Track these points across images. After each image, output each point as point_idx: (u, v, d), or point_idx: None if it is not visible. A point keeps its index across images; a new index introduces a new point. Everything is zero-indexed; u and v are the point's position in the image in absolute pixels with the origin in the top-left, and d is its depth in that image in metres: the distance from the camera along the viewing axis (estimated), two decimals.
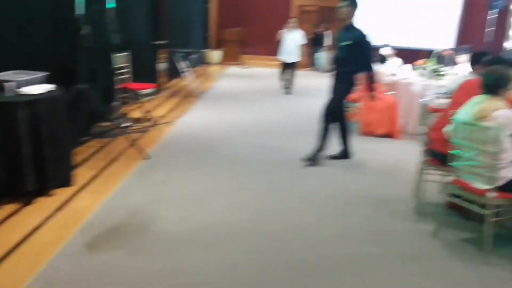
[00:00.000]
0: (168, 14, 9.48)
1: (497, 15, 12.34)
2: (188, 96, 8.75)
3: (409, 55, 10.82)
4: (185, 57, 9.40)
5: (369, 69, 4.91)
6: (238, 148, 5.50)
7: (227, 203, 3.85)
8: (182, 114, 7.19)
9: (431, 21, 12.50)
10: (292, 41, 9.36)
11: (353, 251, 3.17)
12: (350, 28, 4.76)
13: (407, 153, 5.46)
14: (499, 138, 2.85)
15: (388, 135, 6.28)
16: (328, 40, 13.94)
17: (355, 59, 4.73)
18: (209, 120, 6.97)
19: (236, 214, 3.66)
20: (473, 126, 2.98)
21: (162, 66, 9.10)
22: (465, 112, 3.11)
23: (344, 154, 5.21)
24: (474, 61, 4.21)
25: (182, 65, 9.22)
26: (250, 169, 4.77)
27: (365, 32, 4.75)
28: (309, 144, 5.24)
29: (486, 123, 2.93)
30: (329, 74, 5.43)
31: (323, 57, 13.56)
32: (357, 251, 3.17)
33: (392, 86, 6.73)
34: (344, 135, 5.18)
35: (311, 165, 4.90)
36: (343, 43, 4.75)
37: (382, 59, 6.76)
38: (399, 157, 5.43)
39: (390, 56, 7.23)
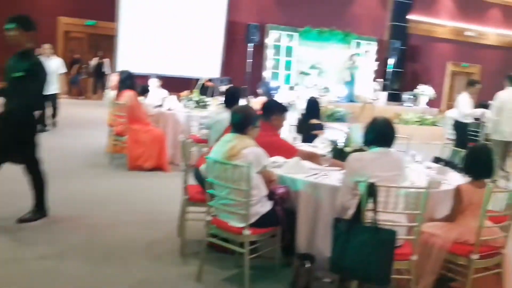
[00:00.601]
0: None
1: (253, 49, 13.70)
2: None
3: (178, 84, 11.03)
4: None
5: (38, 106, 3.97)
6: None
7: None
8: None
9: (198, 51, 13.02)
10: (50, 70, 8.22)
11: None
12: (24, 55, 3.84)
13: (175, 187, 5.31)
14: (249, 175, 2.87)
15: (157, 168, 6.10)
16: (108, 69, 13.41)
17: (26, 93, 3.79)
18: None
19: None
20: (224, 165, 2.95)
21: None
22: (216, 151, 3.08)
23: (37, 212, 4.10)
24: (229, 101, 4.33)
25: None
26: None
27: (40, 60, 3.99)
28: (67, 188, 4.64)
29: (236, 162, 2.93)
30: None
31: None
32: None
33: (158, 117, 6.61)
34: (37, 186, 4.10)
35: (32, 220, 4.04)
36: (13, 74, 3.79)
37: (144, 90, 6.58)
38: (167, 192, 5.25)
39: (155, 86, 7.14)
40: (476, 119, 7.75)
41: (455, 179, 3.58)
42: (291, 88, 13.91)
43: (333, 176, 3.34)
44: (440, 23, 16.86)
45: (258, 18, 14.06)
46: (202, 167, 3.18)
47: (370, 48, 15.40)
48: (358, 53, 14.68)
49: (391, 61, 15.40)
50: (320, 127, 5.08)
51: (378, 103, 13.95)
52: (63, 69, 8.62)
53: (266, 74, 14.55)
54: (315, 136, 4.80)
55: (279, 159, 3.54)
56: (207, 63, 13.08)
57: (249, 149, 2.98)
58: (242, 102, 7.07)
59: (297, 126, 5.30)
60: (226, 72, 13.56)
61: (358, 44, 15.44)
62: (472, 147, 3.36)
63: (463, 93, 7.32)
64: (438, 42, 17.00)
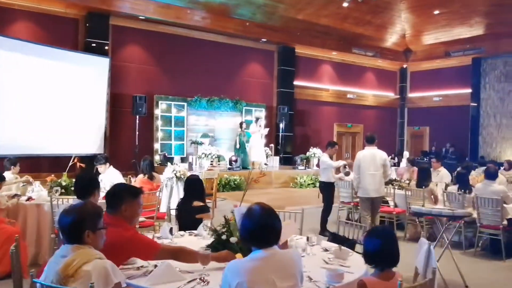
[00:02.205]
0: None
1: (141, 121, 12.98)
2: None
3: (56, 164, 9.92)
4: None
5: None
6: None
7: None
8: None
9: (77, 126, 11.88)
10: None
11: None
12: None
13: None
14: None
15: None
16: None
17: None
18: None
19: None
20: None
21: None
22: (48, 270, 2.29)
23: None
24: (82, 191, 3.68)
25: None
26: None
27: None
28: None
29: (74, 285, 2.16)
30: None
31: None
32: None
33: (17, 210, 5.53)
34: None
35: None
36: None
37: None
38: None
39: (13, 172, 6.10)
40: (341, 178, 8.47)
41: (357, 264, 3.11)
42: (183, 159, 13.35)
43: (215, 281, 2.66)
44: (323, 87, 17.67)
45: (144, 90, 13.50)
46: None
47: (260, 115, 15.51)
48: (248, 120, 14.68)
49: (281, 126, 15.59)
50: (204, 210, 4.42)
51: (272, 168, 13.88)
52: None
53: (157, 145, 13.86)
54: (199, 221, 4.12)
55: (138, 261, 2.82)
56: (87, 139, 11.94)
57: (91, 264, 2.21)
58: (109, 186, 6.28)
59: (177, 210, 4.57)
60: (112, 147, 12.62)
61: (249, 111, 15.50)
62: (369, 231, 2.86)
63: (324, 153, 8.16)
64: (323, 105, 17.72)
